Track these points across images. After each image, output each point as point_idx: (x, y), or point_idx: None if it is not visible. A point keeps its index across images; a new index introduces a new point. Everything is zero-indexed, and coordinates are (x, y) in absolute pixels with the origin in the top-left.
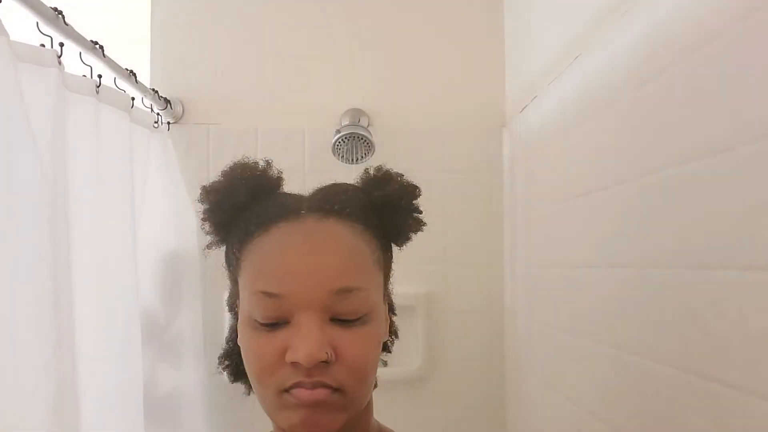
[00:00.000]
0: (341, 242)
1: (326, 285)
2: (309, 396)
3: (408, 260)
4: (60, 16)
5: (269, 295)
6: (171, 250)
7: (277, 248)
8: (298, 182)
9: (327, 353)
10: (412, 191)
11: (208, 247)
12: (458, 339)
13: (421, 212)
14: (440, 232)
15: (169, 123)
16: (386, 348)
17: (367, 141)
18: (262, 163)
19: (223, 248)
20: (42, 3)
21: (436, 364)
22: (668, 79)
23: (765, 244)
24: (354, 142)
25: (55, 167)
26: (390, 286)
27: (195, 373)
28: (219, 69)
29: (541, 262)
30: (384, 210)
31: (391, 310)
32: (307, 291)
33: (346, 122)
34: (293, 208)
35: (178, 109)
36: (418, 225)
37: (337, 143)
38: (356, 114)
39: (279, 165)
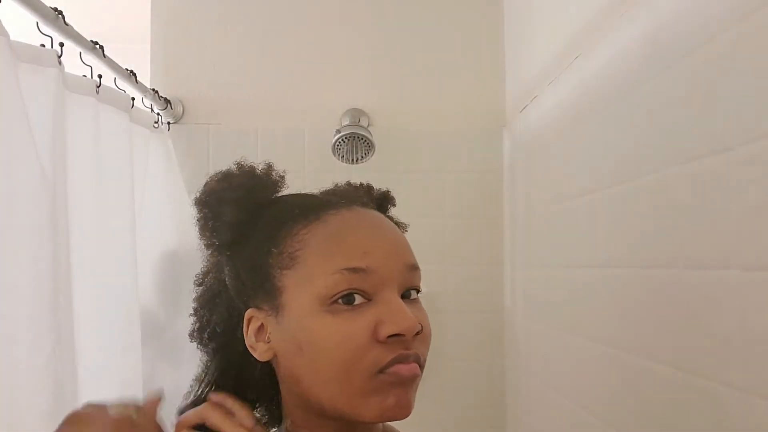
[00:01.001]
0: (395, 226)
1: (404, 260)
2: (408, 371)
3: None
4: (60, 16)
5: (354, 270)
6: (171, 250)
7: (351, 228)
8: (298, 182)
9: (419, 324)
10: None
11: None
12: (458, 339)
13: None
14: (440, 232)
15: (169, 123)
16: None
17: (367, 141)
18: (258, 169)
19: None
20: (42, 3)
21: (436, 364)
22: (668, 79)
23: (765, 244)
24: (354, 142)
25: (55, 167)
26: None
27: (194, 372)
28: (219, 69)
29: (541, 262)
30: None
31: None
32: (391, 265)
33: (346, 122)
34: (331, 202)
35: (178, 109)
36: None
37: (337, 143)
38: (356, 114)
39: (279, 165)
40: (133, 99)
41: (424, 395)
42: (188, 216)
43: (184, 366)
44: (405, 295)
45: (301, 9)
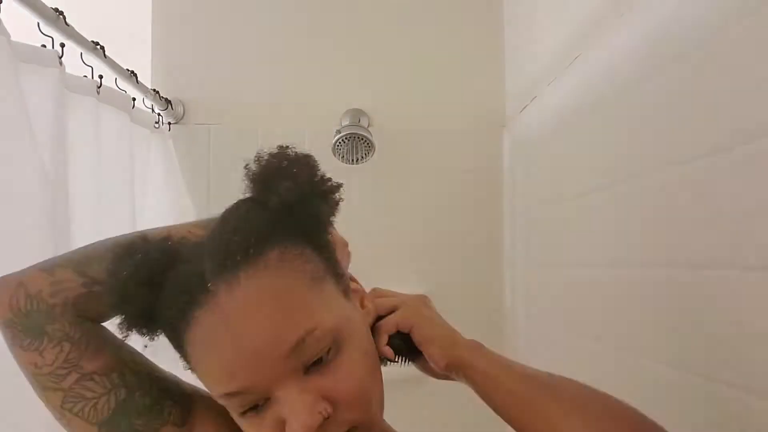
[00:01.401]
0: (265, 300)
1: (277, 355)
2: None
3: (408, 260)
4: (61, 16)
5: (231, 395)
6: None
7: (209, 350)
8: None
9: (321, 412)
10: (307, 175)
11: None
12: None
13: (331, 190)
14: (440, 232)
15: (169, 123)
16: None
17: (367, 141)
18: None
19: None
20: (43, 4)
21: None
22: (668, 79)
23: (765, 244)
24: (354, 142)
25: (55, 167)
26: (342, 259)
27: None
28: (219, 69)
29: (541, 262)
30: (290, 212)
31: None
32: (260, 374)
33: (346, 122)
34: (198, 285)
35: (179, 109)
36: (333, 202)
37: (338, 143)
38: (356, 114)
39: None
40: (133, 99)
41: (424, 395)
42: (188, 217)
43: (183, 365)
44: (312, 367)
45: (302, 9)
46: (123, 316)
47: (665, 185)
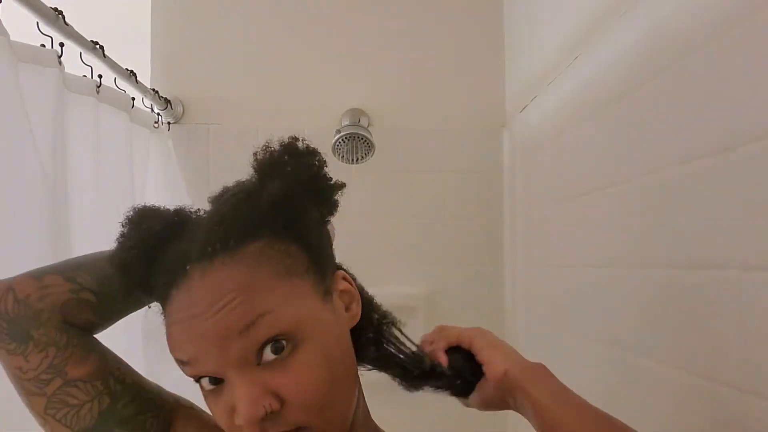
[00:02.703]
0: (229, 287)
1: (229, 335)
2: None
3: (408, 260)
4: (60, 16)
5: (182, 363)
6: None
7: (172, 323)
8: None
9: (265, 406)
10: (306, 175)
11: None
12: None
13: (328, 190)
14: (440, 232)
15: (169, 123)
16: (382, 332)
17: (367, 141)
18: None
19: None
20: (42, 3)
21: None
22: (668, 79)
23: (765, 244)
24: (354, 142)
25: (55, 167)
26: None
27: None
28: (219, 69)
29: (541, 262)
30: (281, 207)
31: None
32: (211, 352)
33: (346, 122)
34: (179, 265)
35: (179, 109)
36: (328, 202)
37: (337, 143)
38: (356, 114)
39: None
40: (133, 99)
41: (424, 395)
42: None
43: None
44: (266, 357)
45: (301, 9)
46: (123, 282)
47: (665, 185)
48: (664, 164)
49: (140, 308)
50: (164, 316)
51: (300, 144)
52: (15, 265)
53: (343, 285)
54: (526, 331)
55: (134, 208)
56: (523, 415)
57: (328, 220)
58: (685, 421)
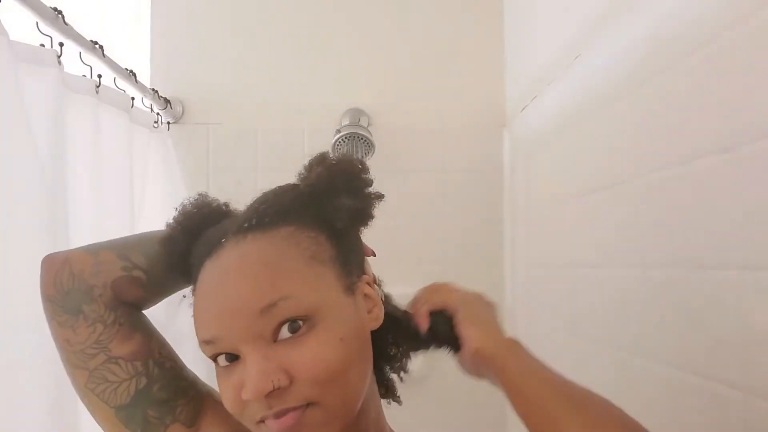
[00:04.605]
0: (256, 260)
1: (246, 313)
2: (278, 426)
3: (408, 260)
4: (60, 15)
5: (206, 342)
6: None
7: (201, 293)
8: None
9: (273, 381)
10: (346, 170)
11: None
12: None
13: (361, 193)
14: (440, 232)
15: (169, 123)
16: (396, 340)
17: (367, 141)
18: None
19: None
20: (42, 3)
21: (436, 364)
22: (668, 79)
23: (765, 244)
24: (354, 142)
25: (54, 167)
26: (367, 267)
27: (194, 371)
28: (219, 69)
29: (541, 262)
30: (317, 197)
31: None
32: (231, 327)
33: (346, 122)
34: (217, 239)
35: (178, 109)
36: (362, 203)
37: (337, 143)
38: (356, 114)
39: (279, 165)
40: (132, 99)
41: (424, 395)
42: None
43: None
44: (282, 335)
45: (301, 9)
46: (166, 254)
47: (665, 185)
48: (664, 164)
49: (188, 286)
50: (194, 289)
51: (355, 162)
52: (14, 264)
53: (367, 289)
54: (526, 331)
55: (192, 197)
56: (499, 389)
57: (367, 214)
58: (686, 421)
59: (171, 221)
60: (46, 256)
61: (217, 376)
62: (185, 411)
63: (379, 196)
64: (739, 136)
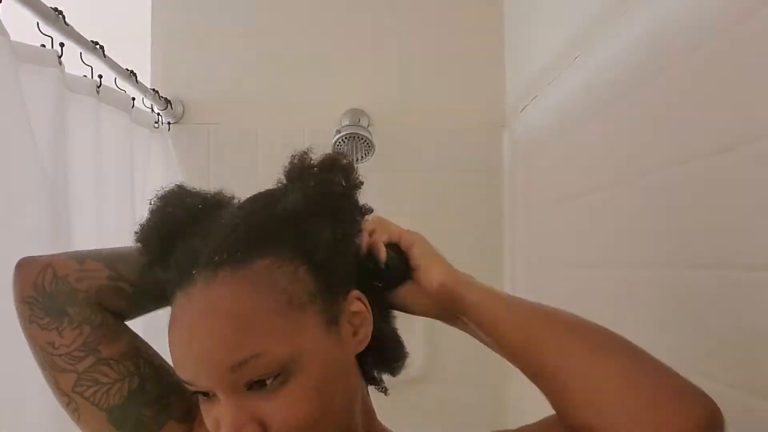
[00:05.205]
0: (227, 311)
1: (219, 366)
2: None
3: None
4: (60, 16)
5: (183, 381)
6: None
7: (173, 329)
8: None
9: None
10: (324, 193)
11: None
12: (458, 339)
13: (342, 215)
14: (440, 232)
15: (169, 123)
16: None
17: (367, 141)
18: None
19: None
20: (42, 3)
21: (436, 364)
22: (668, 79)
23: (765, 244)
24: (354, 142)
25: (55, 167)
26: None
27: None
28: (219, 69)
29: (541, 262)
30: (294, 223)
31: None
32: (205, 376)
33: (346, 122)
34: (188, 264)
35: (179, 109)
36: (343, 228)
37: (337, 143)
38: (356, 114)
39: (279, 165)
40: (133, 99)
41: (424, 395)
42: None
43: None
44: (255, 387)
45: (302, 10)
46: (142, 259)
47: (665, 185)
48: (664, 164)
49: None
50: (170, 315)
51: (338, 159)
52: (14, 265)
53: (356, 306)
54: None
55: (167, 187)
56: (461, 328)
57: (351, 236)
58: None
59: (146, 219)
60: (22, 259)
61: (200, 404)
62: (179, 407)
63: (369, 211)
64: (739, 136)
